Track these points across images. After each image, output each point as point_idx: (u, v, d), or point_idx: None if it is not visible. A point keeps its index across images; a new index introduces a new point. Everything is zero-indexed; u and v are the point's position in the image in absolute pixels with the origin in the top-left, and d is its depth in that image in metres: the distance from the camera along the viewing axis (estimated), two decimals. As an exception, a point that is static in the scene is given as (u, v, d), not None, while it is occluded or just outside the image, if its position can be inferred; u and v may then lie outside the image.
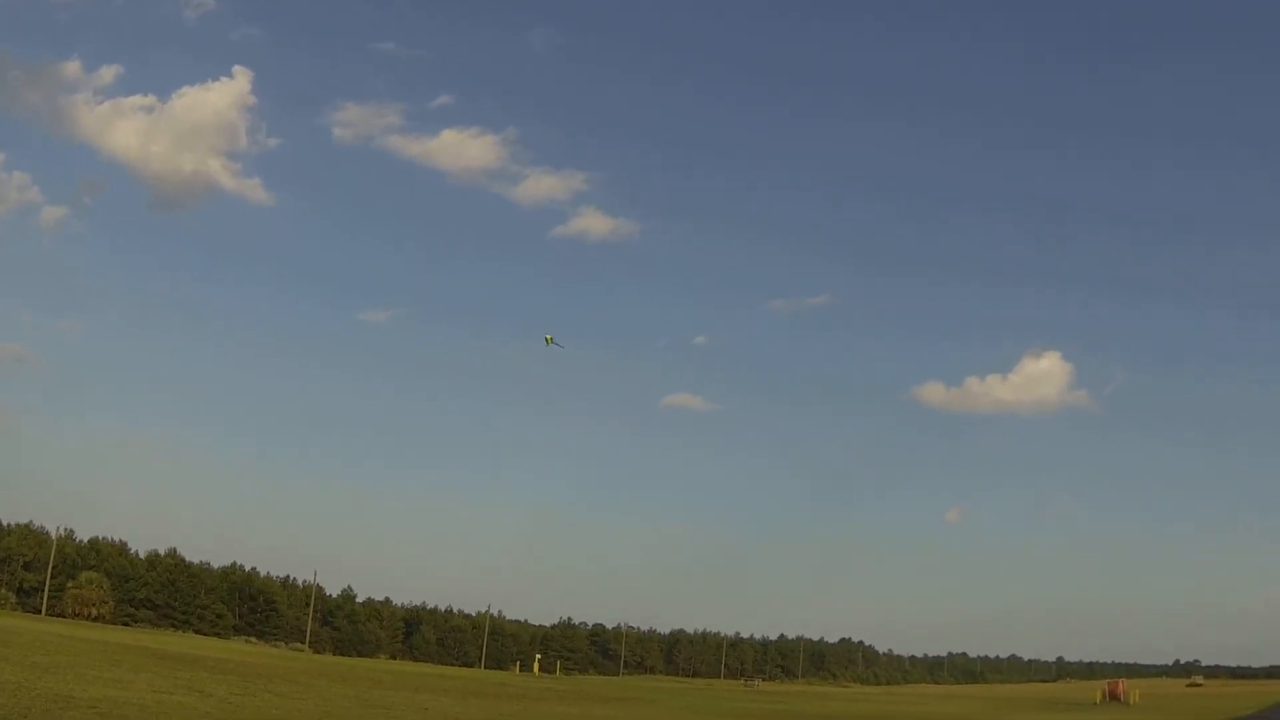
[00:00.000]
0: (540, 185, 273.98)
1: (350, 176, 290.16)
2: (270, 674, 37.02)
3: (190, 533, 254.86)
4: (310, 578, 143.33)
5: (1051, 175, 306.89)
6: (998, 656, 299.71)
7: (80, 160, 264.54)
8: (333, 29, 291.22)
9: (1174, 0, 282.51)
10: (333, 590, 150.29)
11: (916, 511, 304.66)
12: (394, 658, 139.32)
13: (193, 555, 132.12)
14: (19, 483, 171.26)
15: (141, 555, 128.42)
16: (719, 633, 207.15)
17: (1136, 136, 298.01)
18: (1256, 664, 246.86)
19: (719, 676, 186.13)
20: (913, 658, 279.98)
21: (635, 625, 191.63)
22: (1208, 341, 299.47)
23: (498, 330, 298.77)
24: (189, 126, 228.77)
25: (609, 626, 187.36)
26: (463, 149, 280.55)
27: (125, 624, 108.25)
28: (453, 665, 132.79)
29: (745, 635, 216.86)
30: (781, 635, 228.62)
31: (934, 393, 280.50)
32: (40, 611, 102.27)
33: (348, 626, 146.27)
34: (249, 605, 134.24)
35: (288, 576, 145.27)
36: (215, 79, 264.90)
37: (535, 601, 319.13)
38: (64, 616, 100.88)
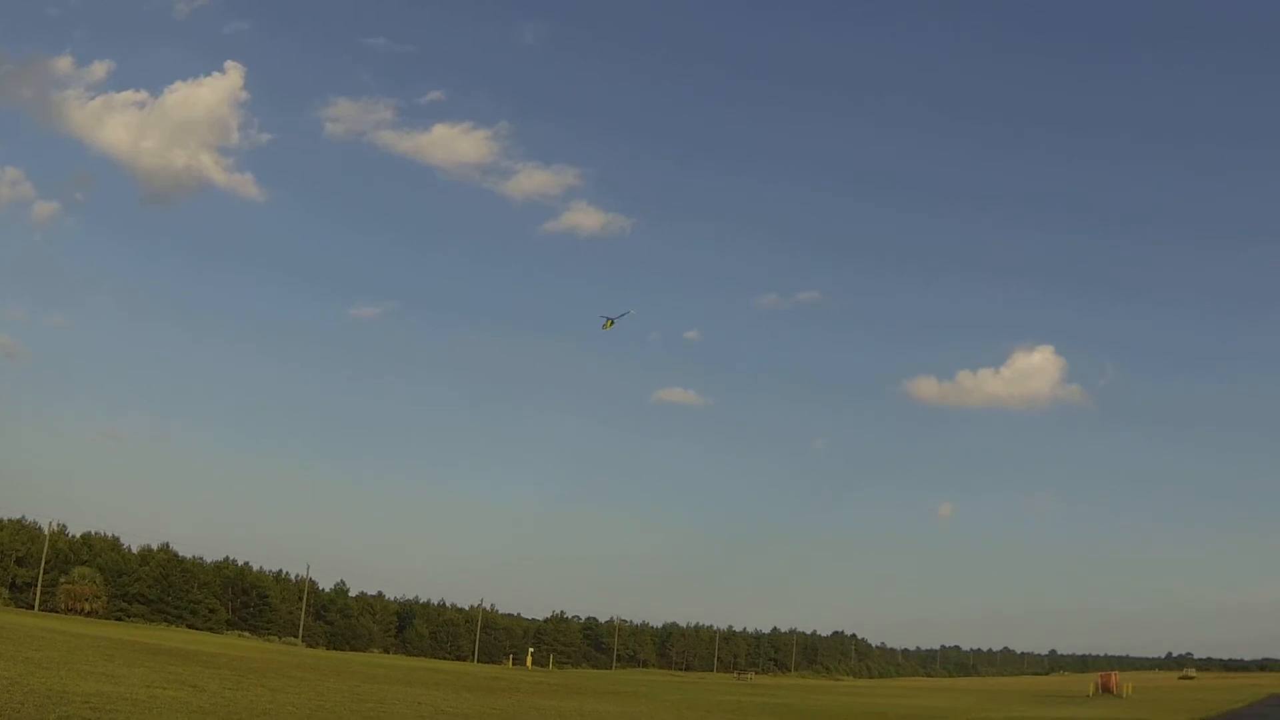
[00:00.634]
0: (532, 180, 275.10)
1: (342, 172, 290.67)
2: (263, 668, 37.03)
3: (183, 527, 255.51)
4: (303, 572, 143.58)
5: (1044, 172, 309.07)
6: (990, 650, 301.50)
7: (72, 155, 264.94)
8: (324, 24, 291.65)
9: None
10: (326, 584, 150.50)
11: (909, 505, 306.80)
12: (387, 652, 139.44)
13: (186, 550, 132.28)
14: (10, 477, 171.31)
15: (134, 550, 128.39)
16: (712, 626, 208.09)
17: (1130, 134, 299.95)
18: (1249, 657, 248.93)
19: (712, 670, 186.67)
20: (905, 651, 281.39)
21: (628, 619, 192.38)
22: (1200, 337, 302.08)
23: (489, 325, 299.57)
24: (181, 122, 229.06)
25: (602, 620, 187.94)
26: (454, 144, 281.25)
27: (118, 619, 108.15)
28: (446, 659, 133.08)
29: (738, 629, 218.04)
30: (774, 629, 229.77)
31: (926, 387, 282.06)
32: (33, 607, 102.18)
33: (341, 621, 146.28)
34: (242, 600, 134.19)
35: (280, 571, 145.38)
36: (207, 74, 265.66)
37: (528, 595, 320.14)
38: (57, 612, 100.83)
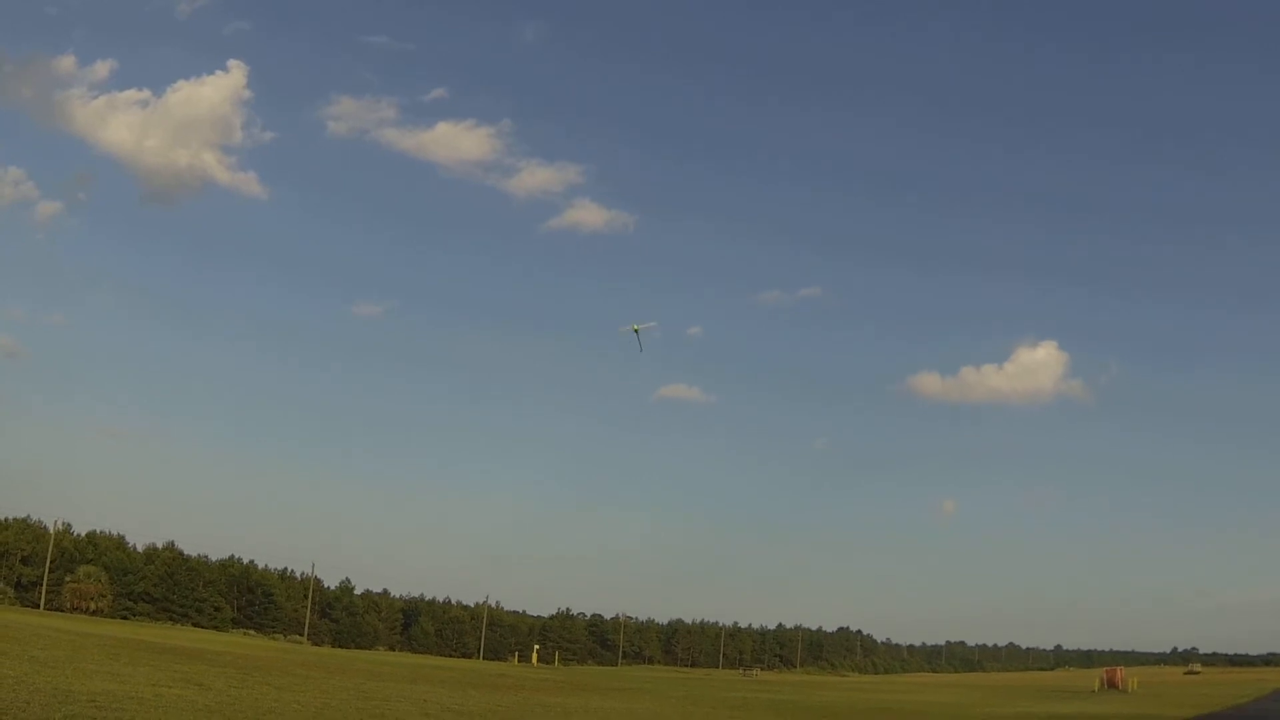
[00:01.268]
0: (534, 177, 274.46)
1: (344, 170, 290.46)
2: (269, 667, 37.00)
3: (187, 526, 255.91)
4: (308, 570, 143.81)
5: (1047, 168, 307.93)
6: (996, 645, 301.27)
7: (74, 155, 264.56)
8: (327, 23, 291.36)
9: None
10: (331, 582, 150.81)
11: (913, 501, 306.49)
12: (392, 649, 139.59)
13: (190, 548, 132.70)
14: (13, 477, 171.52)
15: (139, 549, 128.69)
16: (717, 622, 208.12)
17: (1133, 130, 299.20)
18: (1254, 652, 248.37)
19: (717, 666, 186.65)
20: (911, 647, 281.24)
21: (633, 615, 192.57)
22: (1203, 333, 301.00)
23: (491, 322, 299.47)
24: (184, 120, 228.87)
25: (607, 617, 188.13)
26: (456, 142, 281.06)
27: (124, 617, 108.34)
28: (451, 656, 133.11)
29: (743, 625, 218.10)
30: (780, 625, 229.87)
31: (929, 383, 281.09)
32: (39, 606, 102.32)
33: (346, 618, 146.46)
34: (247, 598, 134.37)
35: (286, 569, 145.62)
36: (210, 73, 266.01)
37: (533, 592, 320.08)
38: (62, 610, 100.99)
